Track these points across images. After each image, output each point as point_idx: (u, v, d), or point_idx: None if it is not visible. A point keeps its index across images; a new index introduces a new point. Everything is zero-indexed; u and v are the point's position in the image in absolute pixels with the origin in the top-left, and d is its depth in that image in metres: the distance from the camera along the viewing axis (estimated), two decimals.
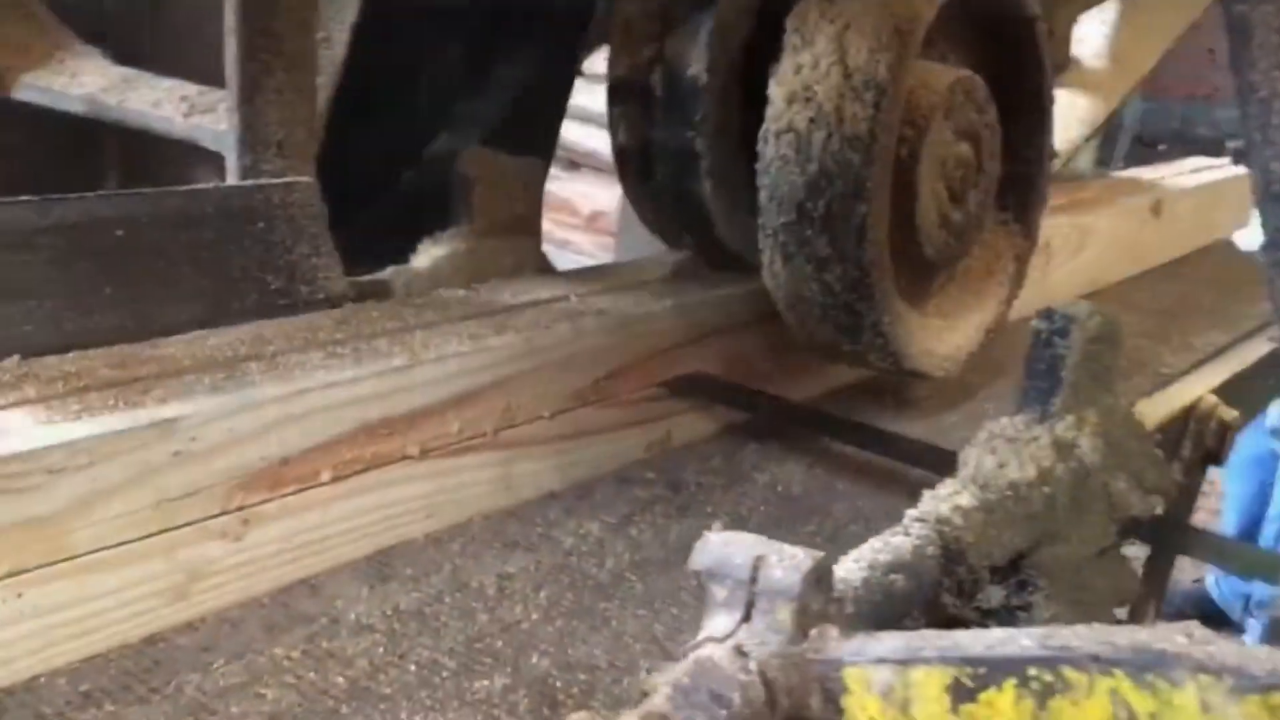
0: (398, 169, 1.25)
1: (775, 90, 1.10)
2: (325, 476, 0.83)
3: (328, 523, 0.84)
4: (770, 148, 1.11)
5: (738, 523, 1.04)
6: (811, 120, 1.08)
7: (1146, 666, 0.48)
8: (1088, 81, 1.83)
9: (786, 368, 1.33)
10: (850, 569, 0.68)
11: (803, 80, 1.08)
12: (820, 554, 0.59)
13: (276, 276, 0.97)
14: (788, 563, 0.59)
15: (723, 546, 0.61)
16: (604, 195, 3.52)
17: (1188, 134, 6.76)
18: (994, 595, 0.86)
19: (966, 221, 1.24)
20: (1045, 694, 0.51)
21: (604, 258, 3.32)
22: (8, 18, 1.17)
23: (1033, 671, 0.51)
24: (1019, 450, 0.85)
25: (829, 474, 1.19)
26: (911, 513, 0.77)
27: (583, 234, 3.66)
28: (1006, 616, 0.87)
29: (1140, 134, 5.77)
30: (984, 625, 0.88)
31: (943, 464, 1.07)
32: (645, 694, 0.61)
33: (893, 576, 0.69)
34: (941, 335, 1.26)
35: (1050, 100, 1.35)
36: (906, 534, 0.74)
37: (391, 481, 0.88)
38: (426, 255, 1.19)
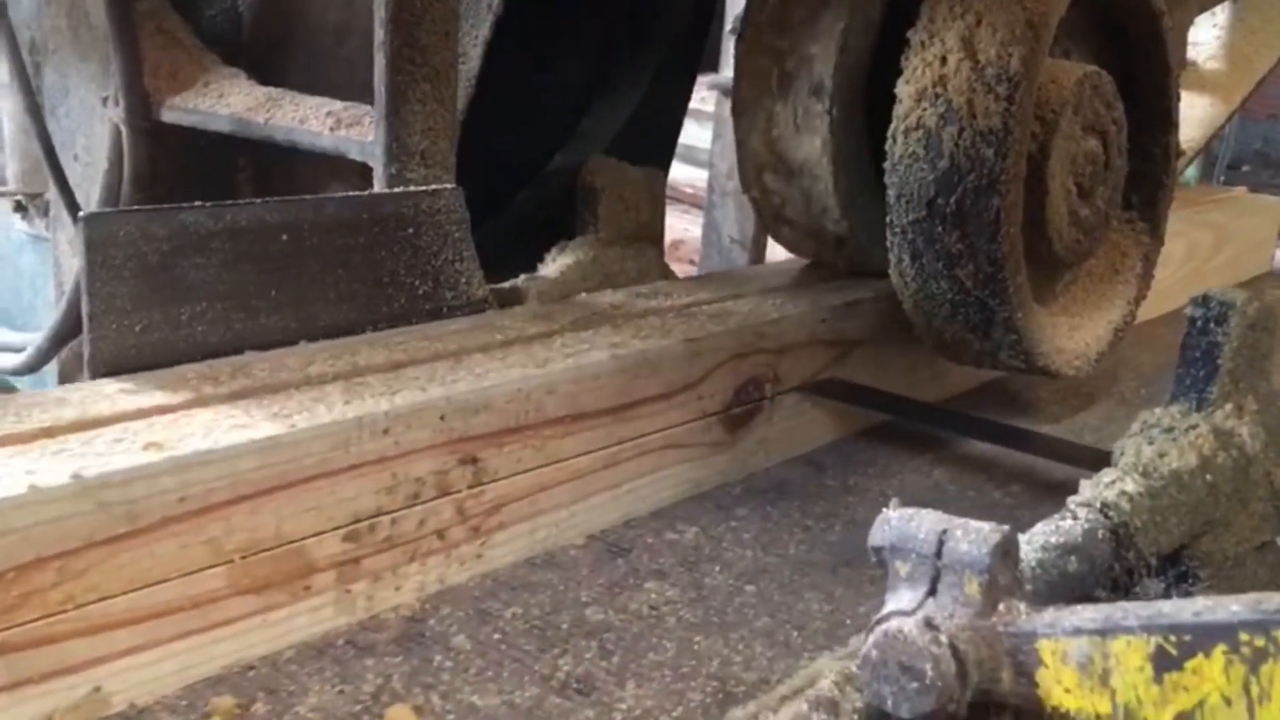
0: (524, 180, 1.28)
1: (904, 88, 1.11)
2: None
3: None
4: (899, 145, 1.11)
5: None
6: (942, 116, 1.08)
7: None
8: (1205, 83, 1.80)
9: (911, 372, 1.33)
10: (1024, 550, 0.68)
11: (932, 76, 1.08)
12: (1006, 528, 0.59)
13: (423, 281, 1.00)
14: (974, 536, 0.58)
15: (904, 523, 0.61)
16: (681, 223, 3.64)
17: (1271, 155, 6.60)
18: (1153, 588, 0.85)
19: (1095, 218, 1.23)
20: (1258, 660, 0.50)
21: None
22: (156, 45, 1.22)
23: (1244, 637, 0.51)
24: (1177, 439, 0.84)
25: (968, 472, 1.18)
26: (1075, 499, 0.76)
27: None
28: None
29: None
30: None
31: (1088, 460, 1.06)
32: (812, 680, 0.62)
33: (1068, 558, 0.68)
34: (1071, 333, 1.25)
35: (1175, 97, 1.34)
36: (1074, 518, 0.73)
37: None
38: (556, 264, 1.21)
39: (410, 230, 0.97)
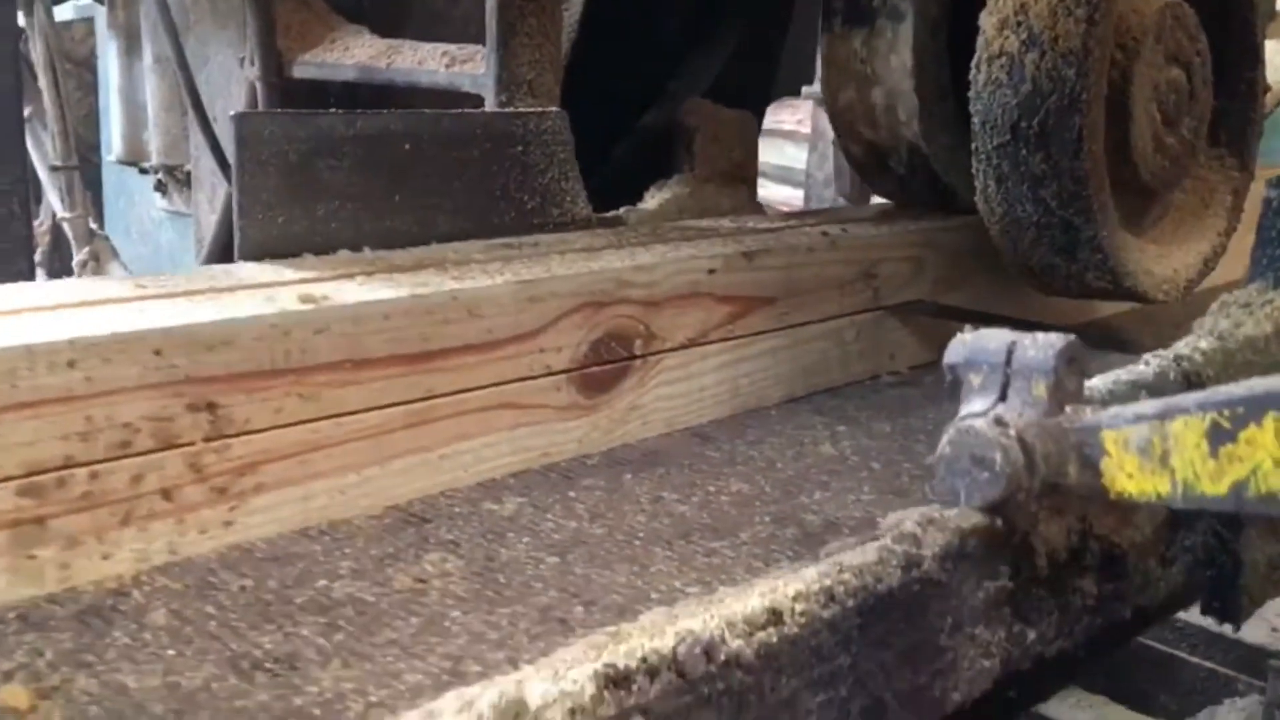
0: (626, 128, 1.36)
1: (986, 19, 1.16)
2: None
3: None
4: (983, 74, 1.16)
5: None
6: (1024, 42, 1.13)
7: None
8: None
9: (1001, 296, 1.36)
10: (1097, 383, 0.72)
11: (1014, 5, 1.13)
12: (1073, 337, 0.64)
13: (531, 197, 1.08)
14: (1041, 343, 0.63)
15: (976, 339, 0.66)
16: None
17: None
18: None
19: (1181, 147, 1.26)
20: None
21: None
22: (287, 9, 1.34)
23: None
24: (1253, 312, 0.87)
25: (880, 444, 1.08)
26: (1146, 355, 0.80)
27: None
28: None
29: None
30: None
31: None
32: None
33: (1139, 392, 0.72)
34: (1160, 259, 1.27)
35: (1261, 34, 1.36)
36: (1145, 365, 0.77)
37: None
38: (654, 198, 1.29)
39: (519, 148, 1.05)
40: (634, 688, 0.59)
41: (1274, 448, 0.55)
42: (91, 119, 2.28)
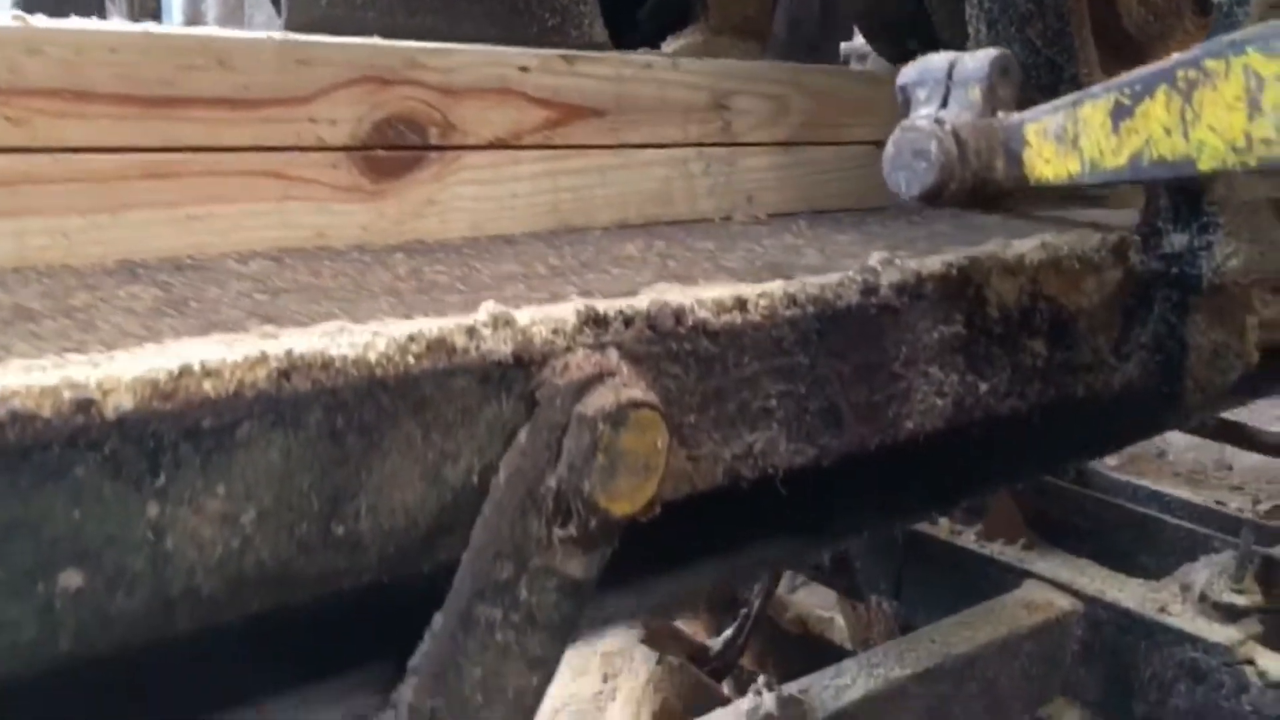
0: None
1: None
2: None
3: None
4: None
5: None
6: None
7: (1273, 36, 0.60)
8: None
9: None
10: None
11: None
12: (1007, 51, 0.73)
13: (552, 15, 1.17)
14: (979, 56, 0.73)
15: (924, 60, 0.75)
16: None
17: None
18: (1177, 241, 0.97)
19: (1166, 3, 1.34)
20: (1190, 89, 0.63)
21: None
22: None
23: (1180, 74, 0.63)
24: None
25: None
26: None
27: None
28: (1190, 258, 0.97)
29: None
30: (1168, 272, 0.98)
31: None
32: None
33: None
34: None
35: None
36: None
37: None
38: (669, 47, 1.38)
39: None
40: (610, 328, 0.69)
41: (1164, 117, 0.64)
42: None
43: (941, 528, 1.78)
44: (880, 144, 0.97)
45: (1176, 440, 2.29)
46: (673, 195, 1.09)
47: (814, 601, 2.08)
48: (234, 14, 1.80)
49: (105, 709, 0.68)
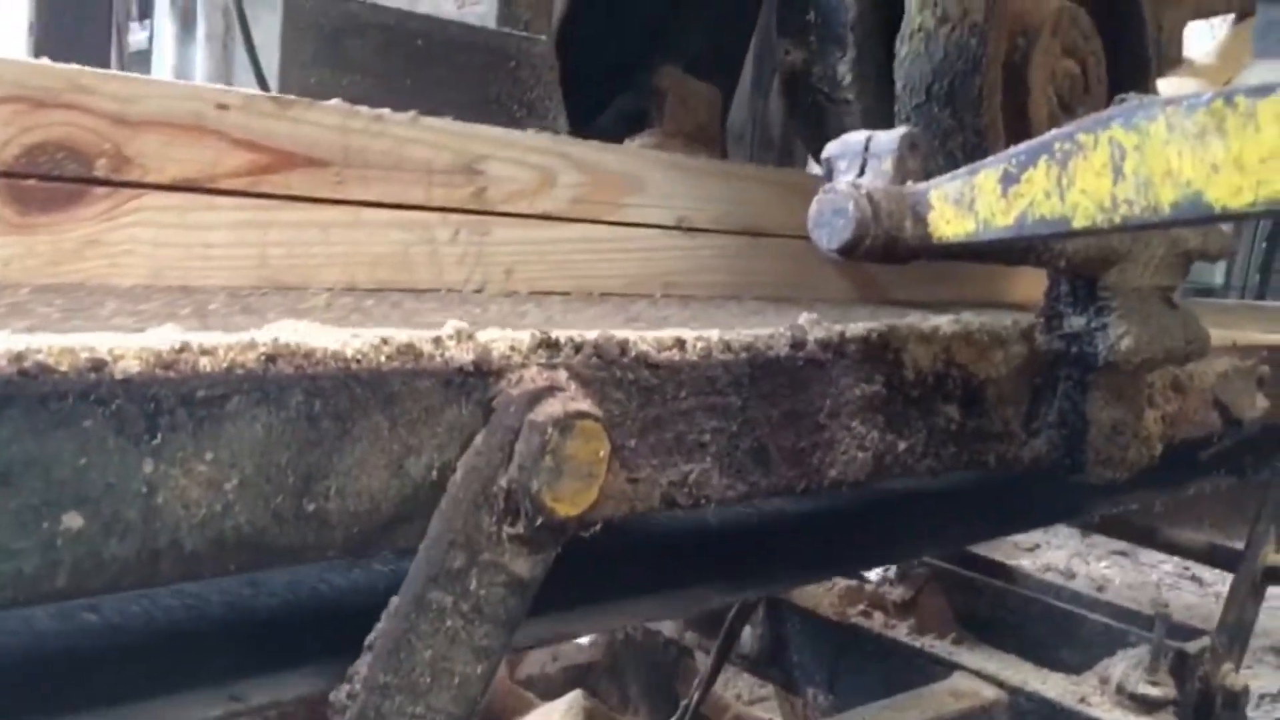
0: (614, 88, 1.58)
1: (911, 2, 1.39)
2: None
3: None
4: (906, 47, 1.38)
5: None
6: (938, 18, 1.36)
7: (1133, 113, 0.71)
8: (1198, 73, 2.06)
9: None
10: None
11: None
12: (917, 129, 0.84)
13: (519, 108, 1.29)
14: (892, 132, 0.83)
15: (846, 137, 0.86)
16: None
17: None
18: (1076, 323, 1.07)
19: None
20: (1066, 158, 0.74)
21: None
22: None
23: (1058, 146, 0.74)
24: None
25: None
26: None
27: None
28: (1088, 338, 1.07)
29: None
30: (1069, 351, 1.09)
31: None
32: None
33: None
34: None
35: (1152, 51, 1.60)
36: None
37: None
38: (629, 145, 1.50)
39: (513, 64, 1.27)
40: (561, 351, 0.77)
41: (1045, 182, 0.75)
42: None
43: (875, 621, 1.84)
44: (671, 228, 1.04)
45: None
46: (412, 261, 1.00)
47: (750, 694, 2.12)
48: (220, 67, 1.91)
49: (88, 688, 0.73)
